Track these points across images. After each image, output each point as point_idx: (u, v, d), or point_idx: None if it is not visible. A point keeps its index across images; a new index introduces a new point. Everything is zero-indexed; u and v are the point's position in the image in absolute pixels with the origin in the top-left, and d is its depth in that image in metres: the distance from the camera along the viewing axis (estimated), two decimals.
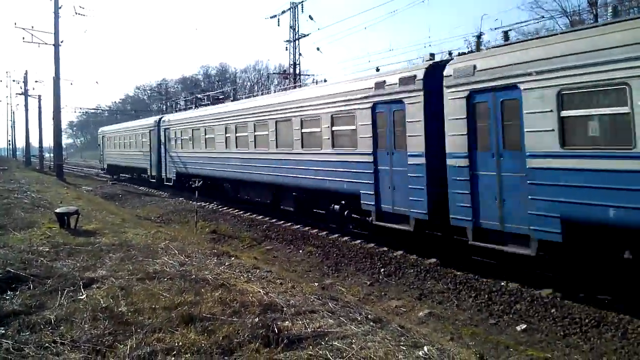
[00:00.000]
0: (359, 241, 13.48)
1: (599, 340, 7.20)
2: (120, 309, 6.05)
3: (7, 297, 6.57)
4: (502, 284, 9.49)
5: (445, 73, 10.36)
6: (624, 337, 7.18)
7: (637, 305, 7.86)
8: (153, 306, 6.16)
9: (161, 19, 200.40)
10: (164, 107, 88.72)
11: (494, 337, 7.41)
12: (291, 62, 44.44)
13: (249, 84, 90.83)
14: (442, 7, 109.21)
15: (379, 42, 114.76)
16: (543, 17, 37.86)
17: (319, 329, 5.65)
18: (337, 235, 14.43)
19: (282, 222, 17.10)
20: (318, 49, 51.44)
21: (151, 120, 31.96)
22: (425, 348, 5.27)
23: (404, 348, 5.23)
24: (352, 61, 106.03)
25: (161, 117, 30.21)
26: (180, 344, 5.07)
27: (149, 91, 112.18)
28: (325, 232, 14.91)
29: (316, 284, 10.12)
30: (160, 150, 28.62)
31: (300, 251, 13.43)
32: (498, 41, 11.68)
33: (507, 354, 6.81)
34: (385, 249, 12.49)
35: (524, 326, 7.83)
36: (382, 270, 11.10)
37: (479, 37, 12.28)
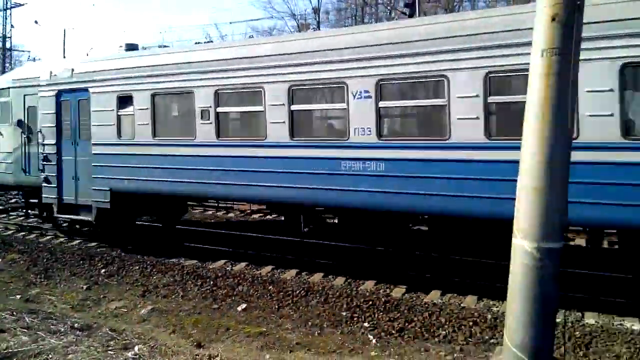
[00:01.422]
0: (77, 242, 12.09)
1: (306, 308, 8.09)
2: None
3: None
4: (228, 268, 9.85)
5: None
6: (326, 302, 8.25)
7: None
8: None
9: None
10: None
11: (215, 322, 7.56)
12: (0, 35, 36.98)
13: None
14: None
15: (112, 19, 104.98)
16: (273, 16, 40.28)
17: (5, 351, 4.76)
18: (50, 236, 12.65)
19: None
20: (36, 22, 44.36)
21: None
22: (136, 348, 5.00)
23: (112, 353, 4.85)
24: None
25: None
26: None
27: None
28: (34, 235, 12.90)
29: (18, 296, 8.63)
30: None
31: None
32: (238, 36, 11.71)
33: (227, 335, 7.03)
34: (106, 247, 11.53)
35: (244, 306, 8.24)
36: (102, 271, 10.19)
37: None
